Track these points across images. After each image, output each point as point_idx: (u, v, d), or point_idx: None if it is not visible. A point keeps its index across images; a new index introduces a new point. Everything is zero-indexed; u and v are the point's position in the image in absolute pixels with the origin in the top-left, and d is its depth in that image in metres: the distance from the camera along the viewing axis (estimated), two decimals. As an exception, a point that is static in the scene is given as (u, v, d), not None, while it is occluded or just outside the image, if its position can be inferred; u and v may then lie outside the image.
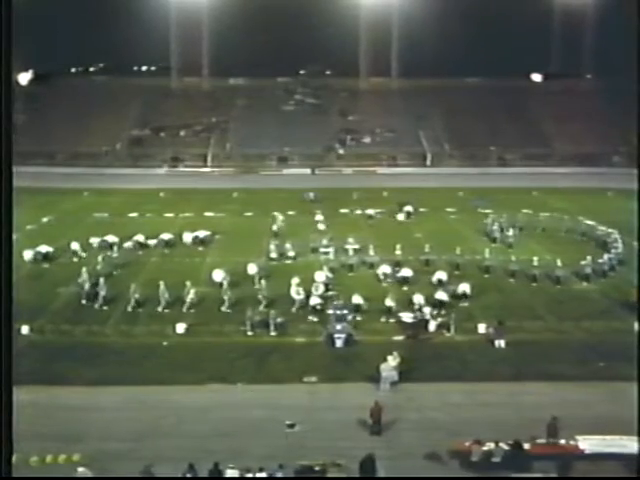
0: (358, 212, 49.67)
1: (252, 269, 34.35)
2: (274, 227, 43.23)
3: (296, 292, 30.64)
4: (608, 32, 70.12)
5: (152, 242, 40.04)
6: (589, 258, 34.99)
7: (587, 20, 79.60)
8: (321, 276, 32.77)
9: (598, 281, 34.19)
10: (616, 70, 71.39)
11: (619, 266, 35.99)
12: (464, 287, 31.58)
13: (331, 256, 37.93)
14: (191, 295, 30.47)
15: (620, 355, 25.51)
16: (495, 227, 42.41)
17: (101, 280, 31.57)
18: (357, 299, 29.88)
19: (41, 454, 18.90)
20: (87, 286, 31.67)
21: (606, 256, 36.11)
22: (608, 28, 70.20)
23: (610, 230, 41.16)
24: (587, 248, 39.29)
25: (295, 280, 31.55)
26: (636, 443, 19.42)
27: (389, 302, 29.66)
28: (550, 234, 42.97)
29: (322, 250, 38.78)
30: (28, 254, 37.02)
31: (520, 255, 37.49)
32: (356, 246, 38.38)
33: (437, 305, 29.64)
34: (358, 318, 28.88)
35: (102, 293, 30.77)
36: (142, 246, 39.57)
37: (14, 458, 17.70)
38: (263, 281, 32.28)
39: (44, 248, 37.75)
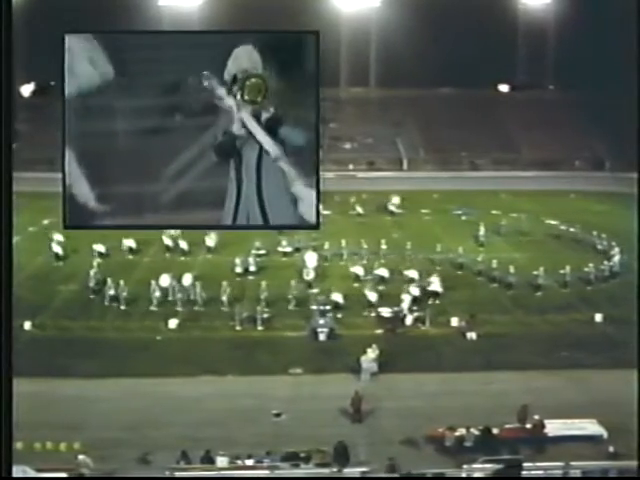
0: (341, 213, 48.95)
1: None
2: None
3: None
4: (569, 48, 70.92)
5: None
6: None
7: (549, 37, 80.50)
8: (312, 260, 32.65)
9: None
10: (576, 82, 72.05)
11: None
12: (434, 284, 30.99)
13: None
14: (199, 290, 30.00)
15: (580, 345, 25.86)
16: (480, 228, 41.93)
17: (121, 282, 30.18)
18: (337, 296, 29.30)
19: (43, 442, 18.69)
20: (108, 286, 30.41)
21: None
22: (568, 45, 71.04)
23: (572, 229, 41.32)
24: (553, 246, 39.37)
25: None
26: (596, 425, 19.67)
27: (368, 297, 29.57)
28: (521, 234, 42.43)
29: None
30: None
31: (491, 254, 37.21)
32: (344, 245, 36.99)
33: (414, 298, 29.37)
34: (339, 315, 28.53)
35: (124, 294, 29.69)
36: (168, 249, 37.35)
37: (20, 445, 17.71)
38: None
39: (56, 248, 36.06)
